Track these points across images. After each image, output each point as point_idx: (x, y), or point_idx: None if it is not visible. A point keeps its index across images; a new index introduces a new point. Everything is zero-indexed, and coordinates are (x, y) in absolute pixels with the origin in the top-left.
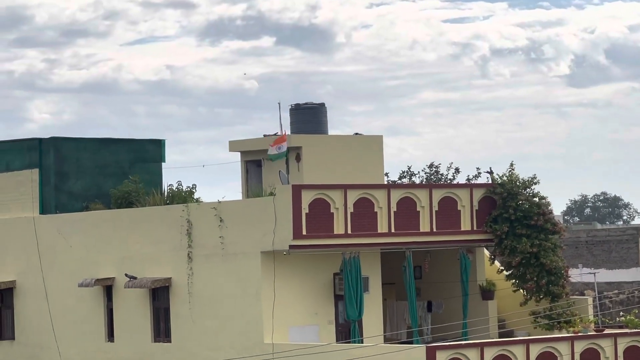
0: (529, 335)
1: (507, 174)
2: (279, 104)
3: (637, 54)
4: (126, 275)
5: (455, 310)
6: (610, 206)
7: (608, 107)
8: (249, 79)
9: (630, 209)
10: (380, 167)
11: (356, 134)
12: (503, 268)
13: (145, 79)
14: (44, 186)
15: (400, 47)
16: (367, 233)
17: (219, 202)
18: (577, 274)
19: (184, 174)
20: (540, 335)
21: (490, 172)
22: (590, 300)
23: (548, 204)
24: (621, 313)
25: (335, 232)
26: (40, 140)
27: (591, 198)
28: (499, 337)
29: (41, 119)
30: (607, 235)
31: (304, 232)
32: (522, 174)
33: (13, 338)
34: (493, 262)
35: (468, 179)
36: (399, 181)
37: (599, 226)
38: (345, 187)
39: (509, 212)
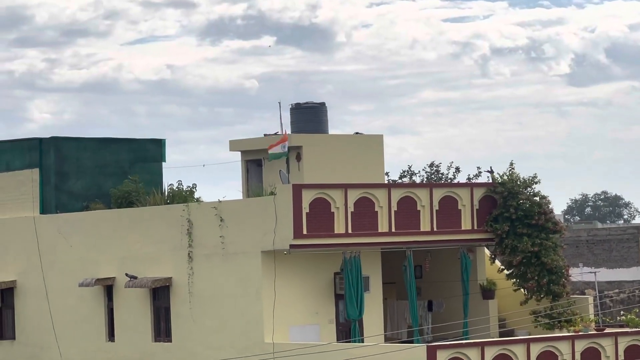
0: (529, 335)
1: (508, 173)
2: (279, 103)
3: (637, 53)
4: (127, 275)
5: (455, 310)
6: (611, 205)
7: (608, 106)
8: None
9: (631, 208)
10: (381, 166)
11: (356, 133)
12: (504, 267)
13: (145, 79)
14: (45, 186)
15: (400, 46)
16: (367, 232)
17: (220, 201)
18: (578, 273)
19: (185, 173)
20: (541, 335)
21: (491, 172)
22: (590, 299)
23: (549, 202)
24: (622, 312)
25: (335, 232)
26: (40, 140)
27: (592, 197)
28: (500, 337)
29: (41, 119)
30: (607, 234)
31: (305, 232)
32: (523, 173)
33: (14, 338)
34: (493, 262)
35: (468, 178)
36: (400, 180)
37: (599, 225)
38: (345, 187)
39: (510, 211)
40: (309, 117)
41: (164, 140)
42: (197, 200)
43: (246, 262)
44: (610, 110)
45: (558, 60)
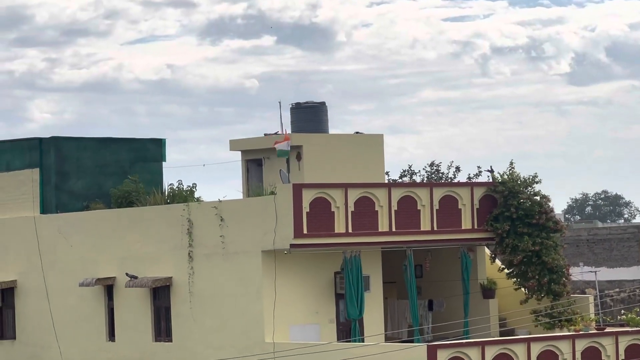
0: (530, 334)
1: (508, 173)
2: (279, 103)
3: (637, 51)
4: (127, 274)
5: (456, 309)
6: (611, 204)
7: (609, 105)
8: (250, 78)
9: (632, 207)
10: (381, 165)
11: (357, 132)
12: (504, 267)
13: (145, 78)
14: (45, 186)
15: (400, 45)
16: (367, 232)
17: (220, 201)
18: (578, 273)
19: (185, 173)
20: (541, 334)
21: (491, 171)
22: (591, 298)
23: (549, 199)
24: (622, 311)
25: (336, 231)
26: (40, 139)
27: (592, 196)
28: (500, 336)
29: (42, 119)
30: (608, 233)
31: (305, 231)
32: (523, 172)
33: (14, 337)
34: (494, 261)
35: (469, 178)
36: (400, 180)
37: (600, 224)
38: (346, 186)
39: (511, 210)
40: (309, 116)
41: (164, 140)
42: (198, 199)
43: (246, 262)
44: (610, 109)
45: (558, 59)
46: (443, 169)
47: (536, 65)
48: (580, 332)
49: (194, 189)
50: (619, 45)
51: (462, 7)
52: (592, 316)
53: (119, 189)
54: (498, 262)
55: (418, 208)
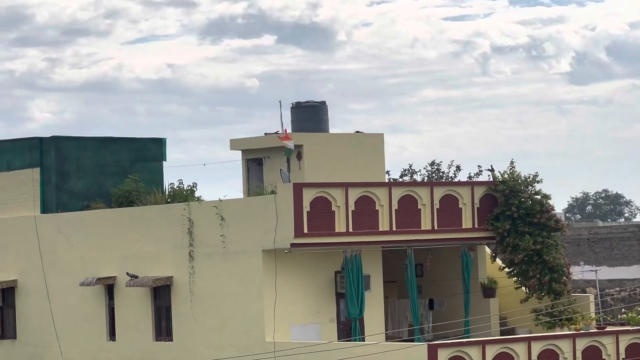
0: (530, 333)
1: (509, 172)
2: (280, 102)
3: (638, 51)
4: (127, 274)
5: (456, 308)
6: (612, 203)
7: (609, 104)
8: (250, 78)
9: (632, 206)
10: (382, 165)
11: (357, 132)
12: (504, 266)
13: (146, 78)
14: (45, 185)
15: (401, 45)
16: (368, 231)
17: (220, 200)
18: (579, 272)
19: (185, 172)
20: (542, 333)
21: (492, 170)
22: (591, 297)
23: (548, 197)
24: (623, 310)
25: (336, 230)
26: (41, 139)
27: (592, 195)
28: (501, 335)
29: (42, 118)
30: (608, 232)
31: (305, 231)
32: (523, 171)
33: (15, 337)
34: (494, 260)
35: (469, 177)
36: (400, 179)
37: (600, 223)
38: (346, 185)
39: (511, 209)
40: (310, 116)
41: (165, 139)
42: (198, 199)
43: (247, 261)
44: (610, 108)
45: (559, 58)
46: (443, 168)
47: (536, 65)
48: (581, 331)
49: (195, 189)
50: (619, 44)
51: (463, 7)
52: (593, 315)
53: (120, 189)
54: (498, 261)
55: (418, 207)
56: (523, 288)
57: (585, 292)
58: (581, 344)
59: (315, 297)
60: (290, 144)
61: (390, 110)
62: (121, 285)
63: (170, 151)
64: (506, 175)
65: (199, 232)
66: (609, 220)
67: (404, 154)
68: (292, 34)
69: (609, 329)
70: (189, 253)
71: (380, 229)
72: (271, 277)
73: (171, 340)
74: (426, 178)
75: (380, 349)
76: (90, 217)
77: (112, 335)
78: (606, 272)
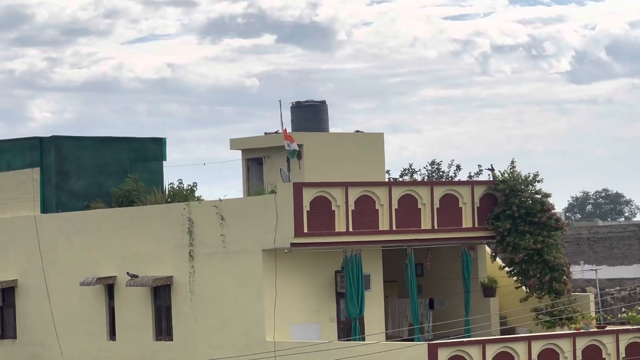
0: (530, 332)
1: (509, 171)
2: (280, 101)
3: (638, 50)
4: (128, 273)
5: (456, 308)
6: (612, 203)
7: (609, 103)
8: (250, 77)
9: (632, 205)
10: (382, 164)
11: (357, 131)
12: (505, 265)
13: (146, 78)
14: (45, 185)
15: (401, 44)
16: (368, 231)
17: (220, 200)
18: (579, 271)
19: (185, 172)
20: (542, 332)
21: (492, 169)
22: (591, 297)
23: (549, 195)
24: (623, 310)
25: (336, 230)
26: (41, 139)
27: (593, 195)
28: (501, 334)
29: (42, 118)
30: (608, 231)
31: (305, 230)
32: (524, 171)
33: (15, 337)
34: (494, 259)
35: (469, 176)
36: (400, 179)
37: (600, 223)
38: (346, 185)
39: (512, 209)
40: (310, 115)
41: (165, 139)
42: (198, 199)
43: (247, 261)
44: (611, 107)
45: (559, 57)
46: (444, 167)
47: (537, 64)
48: (581, 331)
49: (195, 188)
50: (619, 43)
51: (463, 6)
52: (593, 314)
53: (120, 188)
54: (499, 260)
55: (419, 207)
56: (523, 287)
57: (585, 291)
58: (581, 343)
59: (315, 296)
60: (293, 146)
61: (390, 109)
62: (121, 285)
63: (170, 151)
64: (506, 175)
65: (199, 232)
66: (609, 219)
67: (404, 153)
68: (292, 33)
69: (609, 328)
70: (189, 253)
71: (380, 229)
72: (271, 276)
73: (171, 340)
74: (426, 177)
75: (380, 349)
76: (90, 216)
77: (112, 335)
78: (606, 272)
